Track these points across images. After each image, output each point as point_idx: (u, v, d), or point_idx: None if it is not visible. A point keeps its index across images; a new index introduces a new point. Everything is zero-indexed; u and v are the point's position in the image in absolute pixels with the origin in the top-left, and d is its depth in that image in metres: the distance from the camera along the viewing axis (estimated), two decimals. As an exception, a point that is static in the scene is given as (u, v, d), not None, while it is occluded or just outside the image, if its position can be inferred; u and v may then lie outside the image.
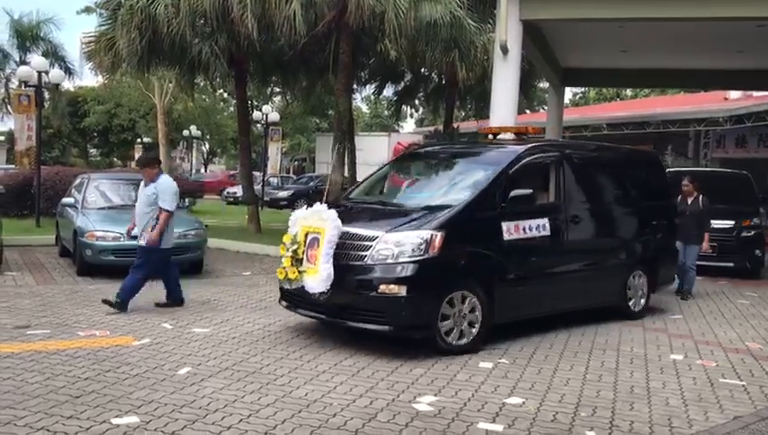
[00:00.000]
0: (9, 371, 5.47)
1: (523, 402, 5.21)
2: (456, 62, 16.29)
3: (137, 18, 14.68)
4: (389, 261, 6.29)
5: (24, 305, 7.98)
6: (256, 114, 29.80)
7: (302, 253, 6.66)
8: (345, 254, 6.48)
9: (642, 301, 8.77)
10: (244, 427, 4.47)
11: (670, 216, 9.62)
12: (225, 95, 40.64)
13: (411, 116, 39.12)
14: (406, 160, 9.04)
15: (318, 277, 6.42)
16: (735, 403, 5.43)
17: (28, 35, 28.39)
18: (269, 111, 29.64)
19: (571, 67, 18.60)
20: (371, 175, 8.73)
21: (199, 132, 42.09)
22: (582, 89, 45.20)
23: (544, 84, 23.93)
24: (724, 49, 14.56)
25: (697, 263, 11.12)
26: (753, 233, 12.69)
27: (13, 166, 22.95)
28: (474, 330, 6.61)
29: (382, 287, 6.20)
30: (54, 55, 27.69)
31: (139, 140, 44.59)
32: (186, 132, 40.61)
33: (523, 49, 12.47)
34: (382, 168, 8.92)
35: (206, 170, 53.35)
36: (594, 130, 26.00)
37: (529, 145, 7.86)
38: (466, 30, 15.25)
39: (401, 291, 6.17)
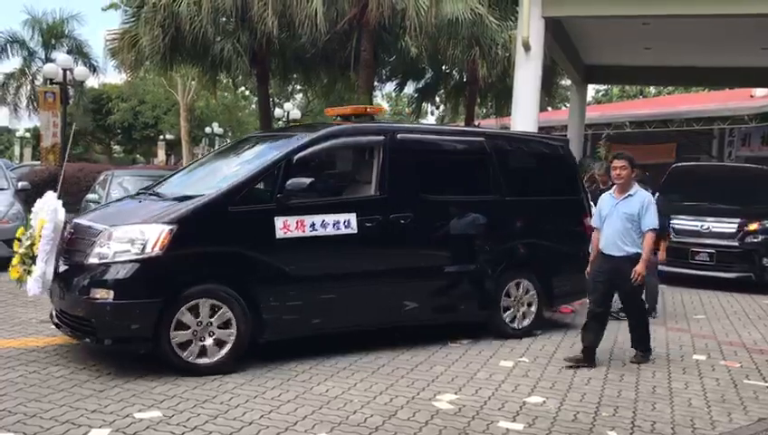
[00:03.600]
0: (35, 364, 5.55)
1: (544, 401, 5.19)
2: (478, 59, 16.28)
3: (160, 16, 14.85)
4: (107, 260, 5.35)
5: (49, 300, 8.07)
6: (278, 111, 29.94)
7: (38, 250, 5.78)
8: (75, 251, 5.68)
9: (529, 316, 7.25)
10: (265, 422, 4.50)
11: (575, 215, 7.82)
12: (247, 92, 40.83)
13: (432, 113, 39.00)
14: (233, 146, 8.06)
15: (32, 278, 5.67)
16: (760, 405, 5.36)
17: (53, 33, 28.76)
18: (290, 109, 29.78)
19: (594, 64, 18.45)
20: (194, 161, 8.06)
21: (221, 129, 42.35)
22: (605, 86, 44.81)
23: (567, 82, 23.79)
24: (750, 46, 14.37)
25: (693, 273, 10.58)
26: (761, 238, 10.88)
27: (38, 162, 23.26)
28: (227, 346, 5.51)
29: (93, 291, 5.29)
30: (79, 53, 28.05)
31: (161, 136, 44.96)
32: (208, 129, 40.87)
33: (546, 46, 12.39)
34: (211, 153, 8.13)
35: (227, 167, 53.61)
36: (617, 128, 25.72)
37: (331, 128, 6.67)
38: (488, 27, 15.23)
39: (109, 296, 5.22)
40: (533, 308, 7.30)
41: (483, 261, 6.98)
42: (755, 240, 10.90)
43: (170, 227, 5.36)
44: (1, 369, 5.39)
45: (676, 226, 11.06)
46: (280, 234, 5.74)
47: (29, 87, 29.43)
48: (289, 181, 5.81)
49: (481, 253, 7.00)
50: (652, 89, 42.47)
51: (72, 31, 28.97)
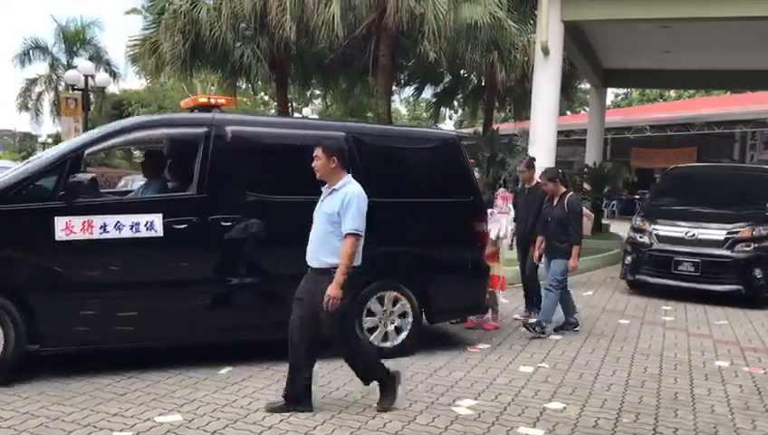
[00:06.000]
0: (57, 368, 5.60)
1: (564, 407, 5.16)
2: (496, 63, 16.28)
3: (180, 22, 15.02)
4: None
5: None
6: (297, 117, 30.07)
7: None
8: None
9: (401, 334, 6.28)
10: (285, 427, 4.51)
11: (464, 219, 6.75)
12: (267, 98, 41.09)
13: (450, 118, 39.01)
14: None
15: None
16: (784, 412, 5.30)
17: (75, 40, 29.16)
18: (309, 114, 29.93)
19: (613, 68, 18.38)
20: None
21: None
22: (625, 90, 44.60)
23: (586, 85, 23.69)
24: (772, 49, 14.26)
25: (675, 284, 9.85)
26: (753, 247, 9.71)
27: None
28: None
29: None
30: (100, 59, 28.42)
31: (181, 142, 45.38)
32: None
33: (565, 50, 12.36)
34: None
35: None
36: (637, 132, 25.61)
37: (133, 120, 6.18)
38: (507, 31, 15.23)
39: None
40: (408, 325, 6.31)
41: None
42: (747, 249, 9.76)
43: None
44: (23, 372, 5.45)
45: (660, 232, 10.27)
46: (61, 236, 5.17)
47: (53, 93, 29.84)
48: (72, 177, 5.26)
49: None
50: (672, 92, 42.22)
51: (93, 37, 29.40)
